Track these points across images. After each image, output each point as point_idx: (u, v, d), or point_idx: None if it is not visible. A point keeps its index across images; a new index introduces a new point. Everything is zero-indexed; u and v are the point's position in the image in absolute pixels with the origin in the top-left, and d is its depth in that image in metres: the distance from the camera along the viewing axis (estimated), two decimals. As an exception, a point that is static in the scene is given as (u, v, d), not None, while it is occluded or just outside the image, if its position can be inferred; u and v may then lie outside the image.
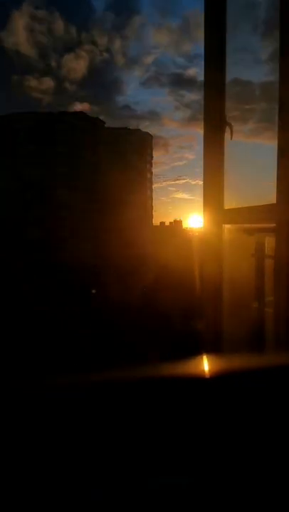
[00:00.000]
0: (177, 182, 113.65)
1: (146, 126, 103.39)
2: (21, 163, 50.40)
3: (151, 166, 61.88)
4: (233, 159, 2.56)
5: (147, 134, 61.17)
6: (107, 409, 0.89)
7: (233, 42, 2.54)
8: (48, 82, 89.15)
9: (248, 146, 3.09)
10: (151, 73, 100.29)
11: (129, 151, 57.06)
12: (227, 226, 2.61)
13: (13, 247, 43.61)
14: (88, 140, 52.66)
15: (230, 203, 2.56)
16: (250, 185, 2.78)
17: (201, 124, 2.62)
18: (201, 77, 2.94)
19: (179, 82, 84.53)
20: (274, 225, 2.12)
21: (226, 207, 2.58)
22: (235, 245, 2.66)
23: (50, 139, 50.89)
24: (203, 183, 2.67)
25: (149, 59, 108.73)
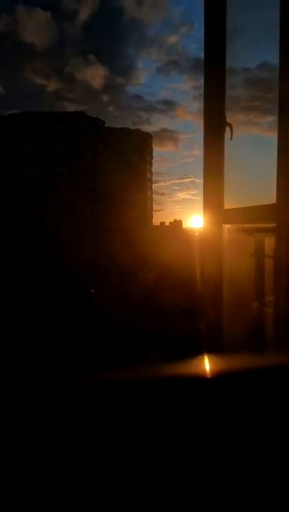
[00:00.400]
0: (182, 181, 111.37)
1: (157, 120, 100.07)
2: (21, 163, 50.41)
3: (151, 165, 61.86)
4: (247, 156, 2.34)
5: (147, 133, 61.16)
6: (107, 409, 0.89)
7: (265, 16, 2.18)
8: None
9: (265, 141, 2.85)
10: (170, 57, 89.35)
11: (129, 151, 57.03)
12: (227, 226, 2.61)
13: (13, 247, 43.60)
14: (88, 140, 52.66)
15: (248, 201, 2.47)
16: (261, 183, 2.65)
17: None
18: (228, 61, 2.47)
19: (200, 67, 79.78)
20: (274, 225, 2.12)
21: (239, 205, 2.54)
22: (235, 245, 2.66)
23: (50, 139, 50.90)
24: (203, 183, 2.68)
25: (171, 39, 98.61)
